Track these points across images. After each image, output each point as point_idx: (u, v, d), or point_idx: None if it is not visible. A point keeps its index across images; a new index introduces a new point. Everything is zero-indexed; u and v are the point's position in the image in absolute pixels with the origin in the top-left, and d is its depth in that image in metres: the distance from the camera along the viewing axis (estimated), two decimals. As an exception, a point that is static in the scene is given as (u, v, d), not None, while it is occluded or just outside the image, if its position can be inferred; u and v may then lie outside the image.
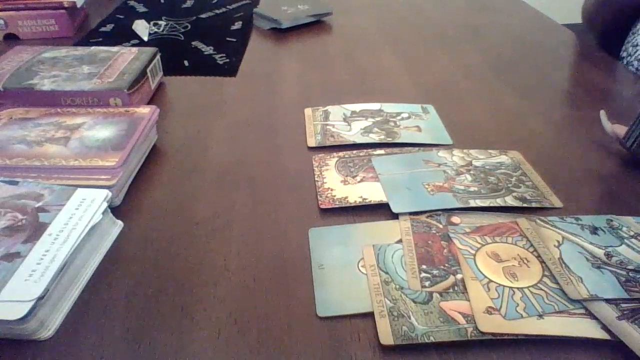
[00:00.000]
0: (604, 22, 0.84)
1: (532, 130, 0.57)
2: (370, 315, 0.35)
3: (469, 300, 0.35)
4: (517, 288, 0.36)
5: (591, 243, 0.40)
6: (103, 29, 0.86)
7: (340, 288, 0.37)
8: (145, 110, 0.53)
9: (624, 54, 0.79)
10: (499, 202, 0.45)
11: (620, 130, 0.51)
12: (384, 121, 0.58)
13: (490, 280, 0.37)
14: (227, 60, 0.75)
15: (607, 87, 0.67)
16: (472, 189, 0.46)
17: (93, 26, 0.87)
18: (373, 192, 0.46)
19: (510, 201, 0.45)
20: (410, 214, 0.43)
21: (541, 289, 0.36)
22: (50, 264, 0.34)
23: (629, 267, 0.38)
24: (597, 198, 0.47)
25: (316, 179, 0.48)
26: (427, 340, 0.32)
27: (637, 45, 0.76)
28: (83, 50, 0.66)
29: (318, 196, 0.46)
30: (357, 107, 0.61)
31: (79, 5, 0.84)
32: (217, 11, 0.96)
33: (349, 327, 0.34)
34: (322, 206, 0.45)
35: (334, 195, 0.46)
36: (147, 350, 0.33)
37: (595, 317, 0.34)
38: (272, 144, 0.54)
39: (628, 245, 0.40)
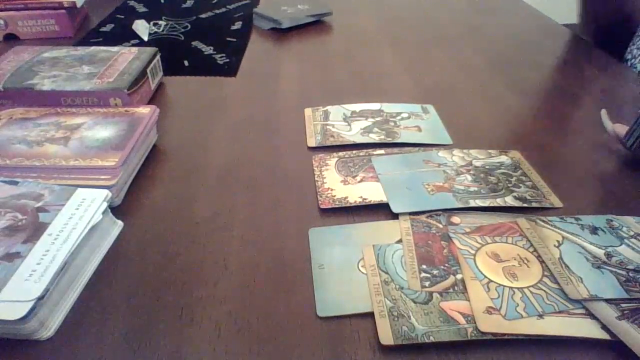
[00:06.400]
0: (602, 30, 0.84)
1: (532, 130, 0.57)
2: (370, 315, 0.35)
3: (469, 300, 0.35)
4: (517, 288, 0.36)
5: (591, 243, 0.40)
6: (103, 29, 0.86)
7: (340, 288, 0.37)
8: (145, 110, 0.53)
9: (629, 56, 0.79)
10: (499, 202, 0.45)
11: (621, 129, 0.51)
12: (384, 121, 0.58)
13: (490, 280, 0.37)
14: (227, 60, 0.75)
15: (607, 87, 0.67)
16: (472, 189, 0.46)
17: (93, 26, 0.87)
18: (373, 192, 0.46)
19: (510, 201, 0.45)
20: (410, 214, 0.43)
21: (541, 289, 0.36)
22: (50, 264, 0.34)
23: (629, 267, 0.38)
24: (597, 198, 0.47)
25: (316, 179, 0.48)
26: (427, 340, 0.32)
27: None
28: (83, 50, 0.66)
29: (318, 196, 0.46)
30: (357, 107, 0.61)
31: (79, 5, 0.84)
32: (217, 11, 0.96)
33: (349, 327, 0.34)
34: (322, 206, 0.45)
35: (334, 195, 0.46)
36: (147, 350, 0.33)
37: (595, 317, 0.34)
38: (272, 144, 0.54)
39: (628, 245, 0.40)
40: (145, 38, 0.82)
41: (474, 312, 0.34)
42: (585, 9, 0.86)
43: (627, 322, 0.33)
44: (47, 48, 0.66)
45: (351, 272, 0.38)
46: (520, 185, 0.47)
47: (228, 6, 0.98)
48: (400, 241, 0.41)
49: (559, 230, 0.41)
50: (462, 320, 0.34)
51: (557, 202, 0.45)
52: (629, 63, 0.78)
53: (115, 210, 0.44)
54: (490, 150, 0.52)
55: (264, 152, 0.53)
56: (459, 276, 0.37)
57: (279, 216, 0.44)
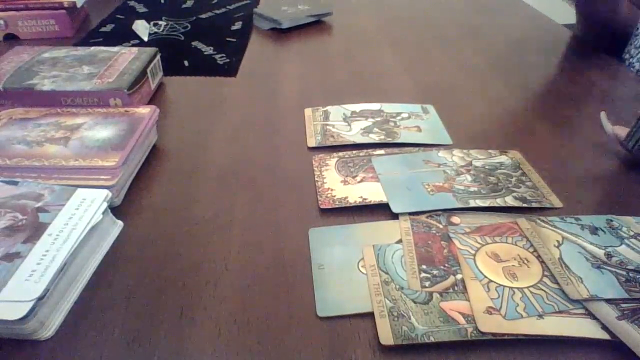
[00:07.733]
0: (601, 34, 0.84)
1: (532, 130, 0.57)
2: (370, 315, 0.35)
3: (469, 300, 0.35)
4: (517, 288, 0.36)
5: (591, 243, 0.40)
6: (103, 29, 0.86)
7: (340, 288, 0.37)
8: (145, 110, 0.53)
9: (626, 56, 0.79)
10: (499, 202, 0.45)
11: (621, 131, 0.51)
12: (384, 121, 0.58)
13: (490, 280, 0.37)
14: (227, 60, 0.75)
15: (607, 87, 0.67)
16: (472, 189, 0.46)
17: (93, 26, 0.87)
18: (373, 192, 0.46)
19: (510, 201, 0.45)
20: (410, 214, 0.43)
21: (541, 289, 0.36)
22: (50, 264, 0.34)
23: (629, 267, 0.38)
24: (597, 198, 0.47)
25: (316, 179, 0.48)
26: (427, 340, 0.32)
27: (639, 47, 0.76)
28: (83, 50, 0.66)
29: (318, 196, 0.46)
30: (357, 107, 0.61)
31: (79, 5, 0.84)
32: (217, 11, 0.96)
33: (349, 327, 0.34)
34: (322, 206, 0.45)
35: (334, 195, 0.46)
36: (147, 350, 0.33)
37: (595, 317, 0.34)
38: (272, 144, 0.54)
39: (628, 245, 0.40)
40: (145, 38, 0.82)
41: (474, 312, 0.34)
42: (580, 18, 0.86)
43: (627, 322, 0.33)
44: (47, 48, 0.66)
45: (351, 272, 0.38)
46: (520, 185, 0.47)
47: (228, 6, 0.98)
48: (400, 241, 0.41)
49: (559, 230, 0.41)
50: (462, 320, 0.34)
51: (557, 202, 0.45)
52: (626, 63, 0.78)
53: (115, 210, 0.44)
54: (490, 150, 0.52)
55: (264, 152, 0.53)
56: (459, 276, 0.37)
57: (279, 216, 0.44)
